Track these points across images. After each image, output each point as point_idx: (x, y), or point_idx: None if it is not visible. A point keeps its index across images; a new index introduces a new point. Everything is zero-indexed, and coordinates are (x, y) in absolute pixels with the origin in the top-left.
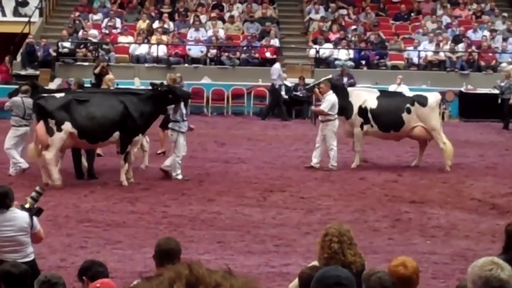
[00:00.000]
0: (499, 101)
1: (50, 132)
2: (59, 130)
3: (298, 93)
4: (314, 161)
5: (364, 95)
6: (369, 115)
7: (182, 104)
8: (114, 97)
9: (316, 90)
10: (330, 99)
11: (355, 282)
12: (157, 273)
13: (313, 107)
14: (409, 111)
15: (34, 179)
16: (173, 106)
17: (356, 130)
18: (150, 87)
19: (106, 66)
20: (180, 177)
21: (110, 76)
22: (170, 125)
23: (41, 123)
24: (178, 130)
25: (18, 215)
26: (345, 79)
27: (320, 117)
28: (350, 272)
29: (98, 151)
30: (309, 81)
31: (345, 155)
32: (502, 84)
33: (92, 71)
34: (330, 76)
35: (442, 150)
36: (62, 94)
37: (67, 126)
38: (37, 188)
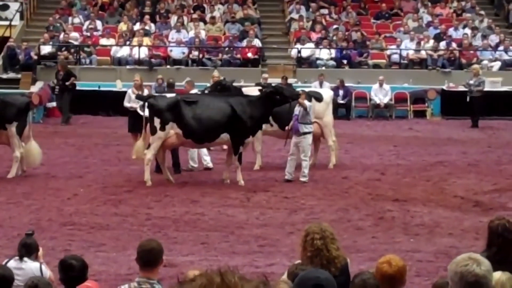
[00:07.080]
0: (468, 99)
1: (152, 131)
2: (163, 129)
3: None
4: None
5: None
6: None
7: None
8: (223, 99)
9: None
10: None
11: (335, 282)
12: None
13: None
14: None
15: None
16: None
17: None
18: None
19: (65, 67)
20: (303, 179)
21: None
22: (301, 127)
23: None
24: (310, 131)
25: (27, 267)
26: (341, 92)
27: None
28: (334, 267)
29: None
30: (292, 81)
31: (327, 154)
32: (471, 82)
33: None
34: (221, 78)
35: (330, 148)
36: (173, 95)
37: (171, 126)
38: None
